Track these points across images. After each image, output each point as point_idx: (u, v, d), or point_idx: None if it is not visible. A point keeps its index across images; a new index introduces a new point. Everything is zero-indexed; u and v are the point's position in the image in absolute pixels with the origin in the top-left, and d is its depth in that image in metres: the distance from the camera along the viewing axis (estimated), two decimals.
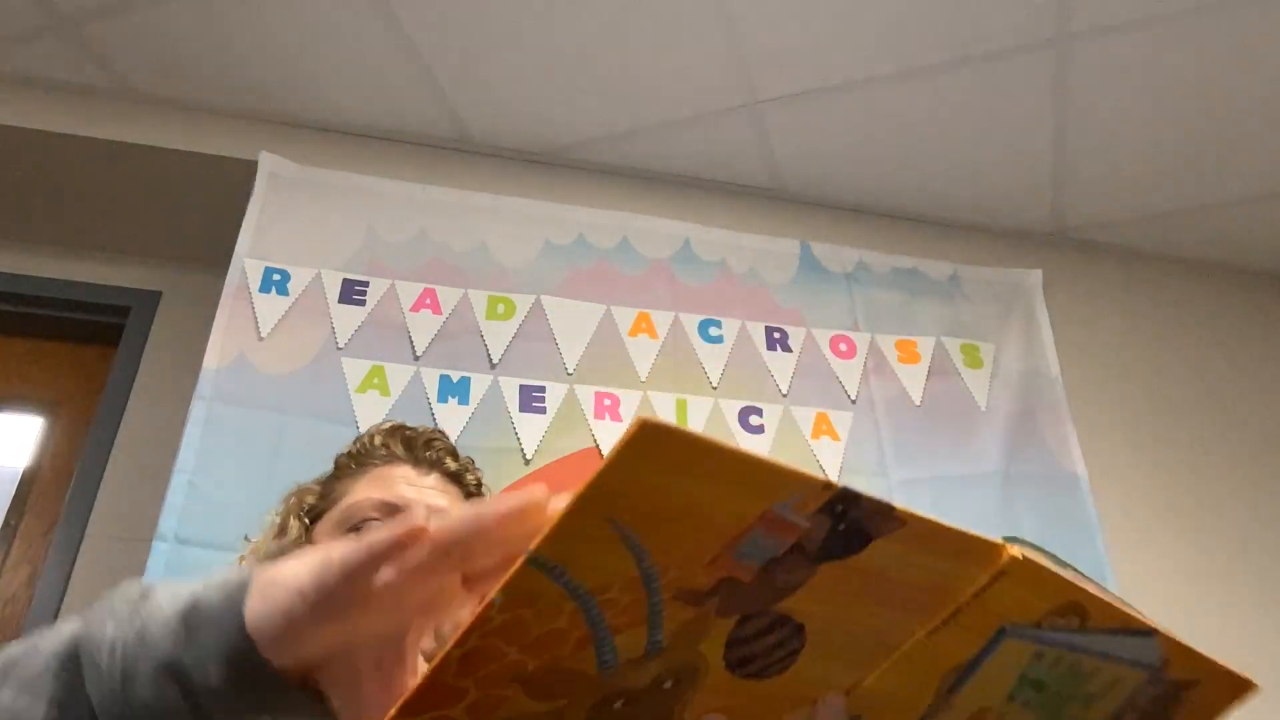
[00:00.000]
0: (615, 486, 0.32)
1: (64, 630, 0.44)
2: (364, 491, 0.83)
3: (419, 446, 0.88)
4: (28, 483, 1.79)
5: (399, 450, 0.88)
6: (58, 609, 1.60)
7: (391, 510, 0.80)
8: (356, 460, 0.88)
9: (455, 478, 0.89)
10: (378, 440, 0.88)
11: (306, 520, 0.84)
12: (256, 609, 0.41)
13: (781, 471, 0.34)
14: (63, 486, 1.76)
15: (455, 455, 0.91)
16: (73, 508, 1.69)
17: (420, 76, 1.81)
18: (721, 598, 0.36)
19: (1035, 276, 2.10)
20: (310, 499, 0.86)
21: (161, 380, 1.83)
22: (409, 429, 0.90)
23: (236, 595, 0.42)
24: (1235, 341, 2.18)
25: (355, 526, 0.80)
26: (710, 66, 1.79)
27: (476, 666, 0.35)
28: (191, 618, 0.42)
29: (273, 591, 0.41)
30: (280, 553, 0.82)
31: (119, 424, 1.78)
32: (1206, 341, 2.16)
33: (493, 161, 1.97)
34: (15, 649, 0.46)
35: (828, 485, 0.34)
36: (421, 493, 0.84)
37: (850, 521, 0.36)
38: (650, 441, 0.31)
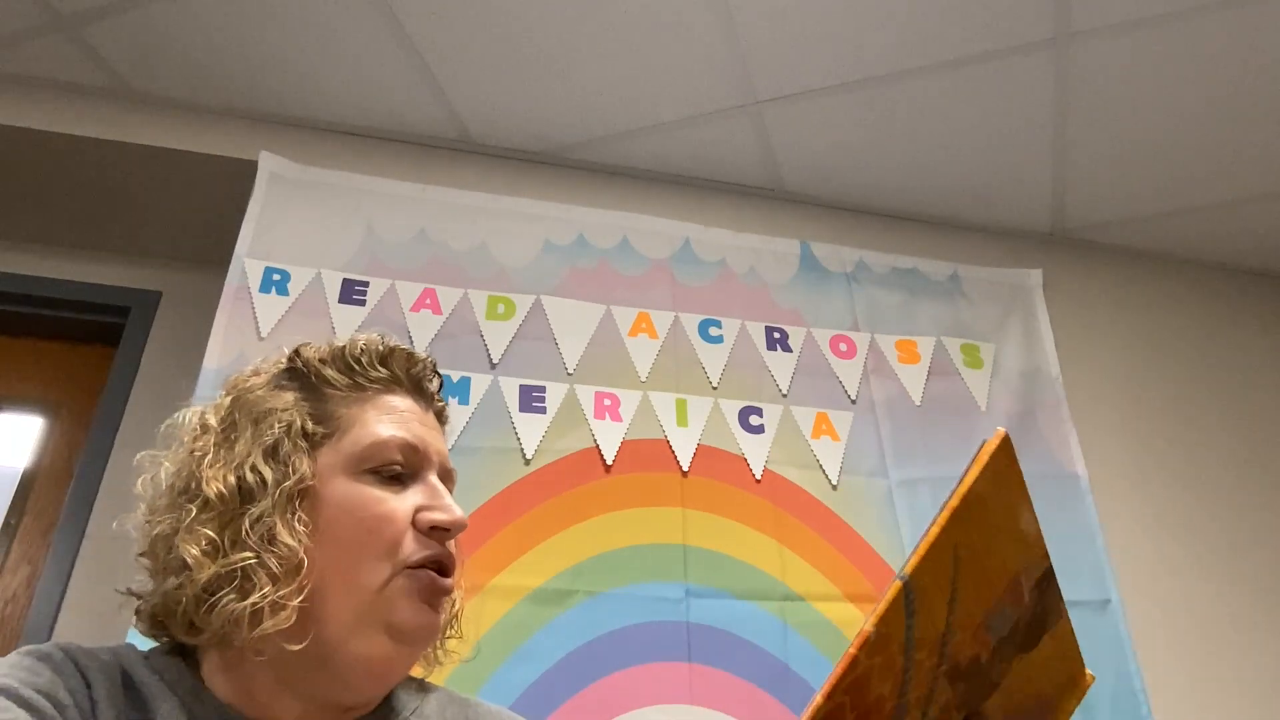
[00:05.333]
0: (976, 500, 0.33)
1: None
2: (378, 426, 0.76)
3: (425, 379, 0.82)
4: (28, 483, 1.79)
5: (403, 378, 0.80)
6: (58, 609, 1.60)
7: (414, 452, 0.76)
8: (353, 379, 0.78)
9: (440, 415, 0.84)
10: (375, 360, 0.79)
11: (305, 445, 0.74)
12: None
13: (1039, 538, 0.36)
14: (63, 486, 1.76)
15: (437, 381, 0.85)
16: (73, 508, 1.69)
17: (420, 76, 1.81)
18: (966, 684, 0.37)
19: (1035, 276, 2.10)
20: (307, 423, 0.75)
21: (161, 380, 1.83)
22: (405, 351, 0.81)
23: None
24: (1235, 341, 2.18)
25: (377, 470, 0.74)
26: (710, 66, 1.79)
27: None
28: None
29: None
30: (290, 494, 0.71)
31: (119, 424, 1.78)
32: (1206, 341, 2.16)
33: (493, 161, 1.97)
34: None
35: (1045, 556, 0.36)
36: (429, 433, 0.79)
37: (1041, 605, 0.37)
38: (1006, 454, 0.32)
